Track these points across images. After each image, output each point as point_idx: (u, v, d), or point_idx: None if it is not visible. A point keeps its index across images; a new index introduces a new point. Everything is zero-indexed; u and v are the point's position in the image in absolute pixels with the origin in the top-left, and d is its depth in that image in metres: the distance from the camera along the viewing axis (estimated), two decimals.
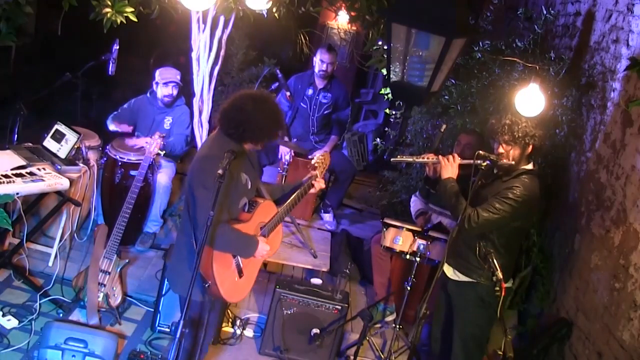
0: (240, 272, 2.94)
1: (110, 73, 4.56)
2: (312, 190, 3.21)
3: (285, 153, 5.09)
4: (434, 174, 3.43)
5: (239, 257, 2.93)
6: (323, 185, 3.23)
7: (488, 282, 3.13)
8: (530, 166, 3.20)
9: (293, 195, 3.11)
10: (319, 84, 5.18)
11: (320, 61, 5.08)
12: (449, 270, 3.38)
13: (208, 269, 2.78)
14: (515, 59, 4.09)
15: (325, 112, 5.25)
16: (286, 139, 5.21)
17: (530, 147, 3.14)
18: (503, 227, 3.14)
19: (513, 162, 3.14)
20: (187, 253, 2.85)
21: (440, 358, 3.58)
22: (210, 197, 2.59)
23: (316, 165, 3.23)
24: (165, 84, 4.57)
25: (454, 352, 3.40)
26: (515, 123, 3.10)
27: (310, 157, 5.21)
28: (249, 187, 2.95)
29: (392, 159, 3.51)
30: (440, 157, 3.32)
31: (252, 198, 3.00)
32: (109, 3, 4.06)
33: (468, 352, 3.37)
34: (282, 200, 3.14)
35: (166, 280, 3.69)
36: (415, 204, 4.39)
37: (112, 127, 4.63)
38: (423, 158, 3.41)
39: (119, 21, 4.11)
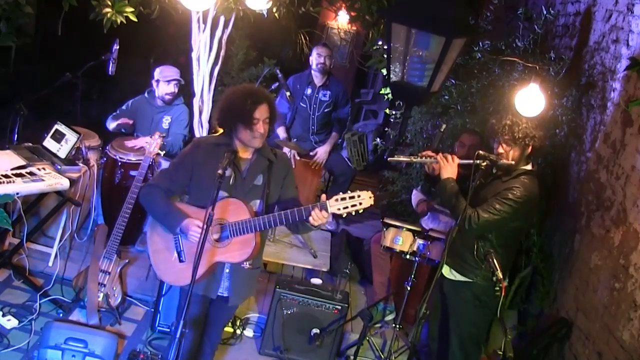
0: (180, 255, 2.88)
1: (110, 73, 4.55)
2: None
3: (287, 152, 5.09)
4: (433, 172, 3.40)
5: (180, 239, 2.86)
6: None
7: (484, 282, 3.13)
8: (529, 166, 3.20)
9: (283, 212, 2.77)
10: (318, 81, 5.18)
11: (317, 55, 5.08)
12: (445, 270, 3.37)
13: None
14: (515, 59, 4.09)
15: (326, 110, 5.24)
16: (286, 138, 5.21)
17: (530, 147, 3.14)
18: (502, 227, 3.14)
19: (512, 162, 3.14)
20: None
21: (438, 356, 3.58)
22: (169, 170, 2.90)
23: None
24: (167, 81, 4.58)
25: (452, 351, 3.40)
26: (516, 124, 3.10)
27: (312, 153, 5.24)
28: (231, 182, 2.84)
29: (389, 159, 3.43)
30: (439, 156, 3.29)
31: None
32: (109, 3, 4.07)
33: (466, 351, 3.37)
34: (274, 208, 2.92)
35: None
36: (416, 196, 4.39)
37: (112, 125, 4.62)
38: (421, 157, 3.36)
39: (119, 21, 4.12)
